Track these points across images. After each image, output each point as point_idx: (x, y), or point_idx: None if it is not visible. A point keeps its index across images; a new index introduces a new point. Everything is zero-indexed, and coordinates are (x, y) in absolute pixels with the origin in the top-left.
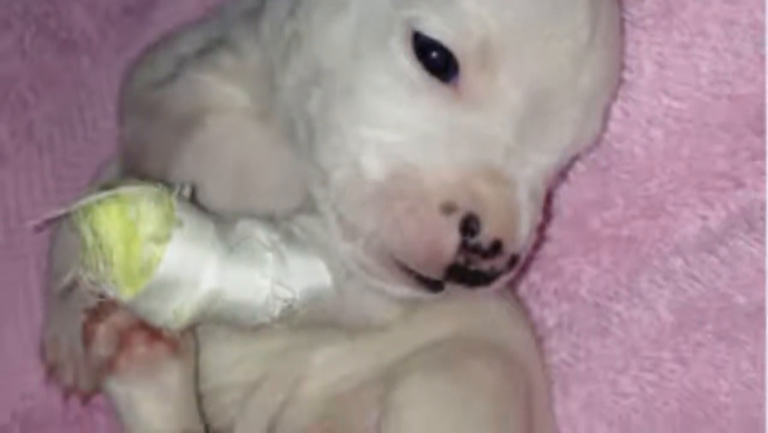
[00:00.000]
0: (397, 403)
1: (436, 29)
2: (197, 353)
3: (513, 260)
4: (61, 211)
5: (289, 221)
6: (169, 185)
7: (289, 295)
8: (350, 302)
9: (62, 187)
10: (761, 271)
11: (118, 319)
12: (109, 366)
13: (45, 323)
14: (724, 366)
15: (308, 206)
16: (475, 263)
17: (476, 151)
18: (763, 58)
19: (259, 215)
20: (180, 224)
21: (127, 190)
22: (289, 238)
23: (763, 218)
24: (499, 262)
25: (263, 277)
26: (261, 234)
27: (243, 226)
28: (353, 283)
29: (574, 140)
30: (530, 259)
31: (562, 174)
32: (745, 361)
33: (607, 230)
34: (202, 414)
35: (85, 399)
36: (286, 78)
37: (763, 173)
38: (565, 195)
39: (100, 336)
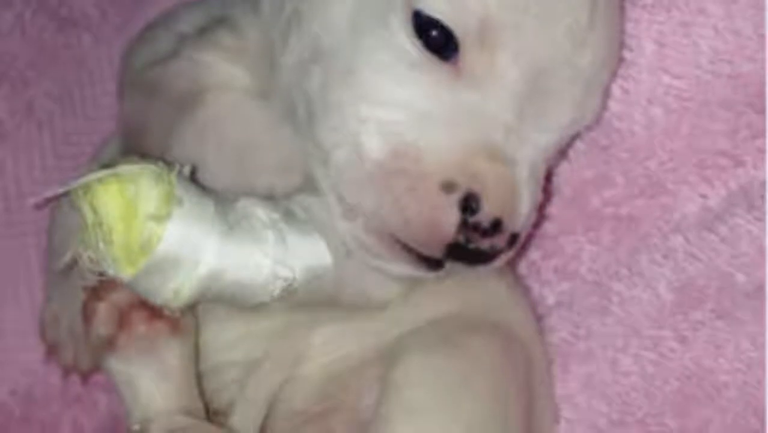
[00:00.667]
0: (397, 381)
1: (436, 8)
2: (197, 332)
3: (513, 239)
4: (61, 190)
5: (289, 199)
6: (169, 164)
7: (289, 274)
8: (350, 281)
9: (62, 165)
10: (761, 249)
11: (118, 297)
12: (109, 344)
13: (45, 301)
14: (724, 345)
15: (308, 185)
16: (475, 241)
17: (476, 129)
18: (763, 36)
19: (259, 194)
20: (180, 202)
21: (127, 169)
22: (290, 217)
23: (763, 197)
24: (499, 240)
25: (263, 256)
26: (261, 213)
27: (243, 205)
28: (353, 262)
29: (573, 119)
30: (530, 237)
31: (562, 153)
32: (745, 340)
33: (607, 209)
34: (202, 393)
35: (85, 377)
36: (286, 57)
37: (763, 152)
38: (565, 174)
39: (100, 315)
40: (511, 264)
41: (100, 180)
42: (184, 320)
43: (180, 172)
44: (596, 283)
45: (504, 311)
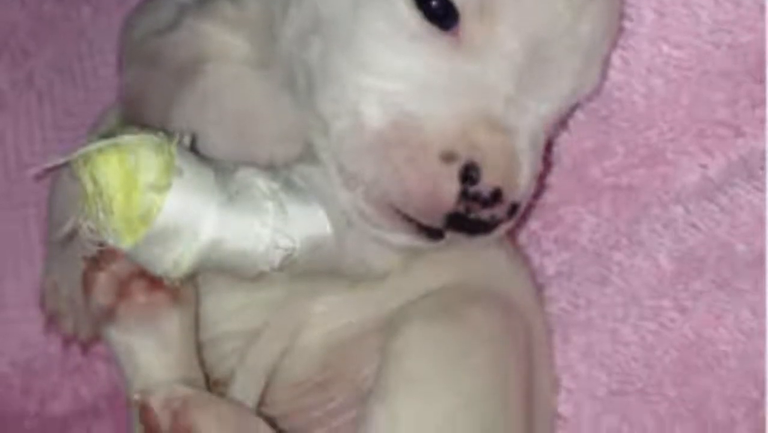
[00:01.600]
0: (397, 351)
1: None
2: (197, 302)
3: (513, 209)
4: (61, 160)
5: (289, 169)
6: (169, 134)
7: (289, 244)
8: (350, 251)
9: (62, 135)
10: (761, 219)
11: (117, 267)
12: (108, 315)
13: (45, 271)
14: (724, 315)
15: (308, 155)
16: (475, 211)
17: (476, 99)
18: (762, 6)
19: (259, 164)
20: (180, 172)
21: (127, 139)
22: (290, 186)
23: (762, 167)
24: (499, 210)
25: (263, 226)
26: (261, 183)
27: (243, 175)
28: (353, 232)
29: (573, 89)
30: (530, 207)
31: (562, 123)
32: (745, 309)
33: (607, 179)
34: (202, 363)
35: (85, 348)
36: (286, 27)
37: (763, 122)
38: (565, 144)
39: (100, 285)
40: (511, 234)
41: (100, 150)
42: (183, 290)
43: (180, 143)
44: (596, 253)
45: (504, 281)
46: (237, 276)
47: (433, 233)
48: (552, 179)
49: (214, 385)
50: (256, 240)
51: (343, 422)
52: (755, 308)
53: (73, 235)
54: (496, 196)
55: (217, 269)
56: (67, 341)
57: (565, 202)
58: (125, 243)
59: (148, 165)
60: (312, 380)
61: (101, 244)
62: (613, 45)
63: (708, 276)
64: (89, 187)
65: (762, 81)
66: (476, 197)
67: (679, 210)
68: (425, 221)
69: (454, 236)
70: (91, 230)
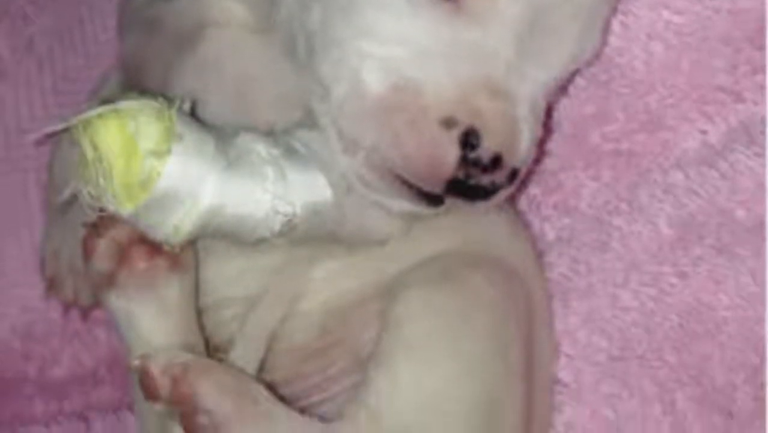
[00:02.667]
0: (398, 317)
1: None
2: (197, 268)
3: (513, 175)
4: (61, 126)
5: (289, 135)
6: (169, 99)
7: (289, 209)
8: (350, 217)
9: (62, 101)
10: (761, 185)
11: (118, 233)
12: (109, 280)
13: (45, 237)
14: (724, 280)
15: (309, 120)
16: (475, 177)
17: (476, 65)
18: None
19: (259, 130)
20: (180, 138)
21: (127, 105)
22: (290, 152)
23: (763, 132)
24: (499, 176)
25: (263, 191)
26: (261, 148)
27: (243, 140)
28: (353, 197)
29: (573, 55)
30: (530, 173)
31: (562, 88)
32: (745, 275)
33: (607, 145)
34: (202, 329)
35: (85, 313)
36: None
37: (763, 87)
38: (565, 109)
39: (100, 250)
40: (511, 200)
41: (100, 116)
42: (184, 256)
43: (180, 108)
44: (596, 218)
45: (504, 246)
46: (237, 242)
47: (432, 199)
48: (552, 145)
49: (214, 351)
50: (256, 206)
51: (343, 388)
52: (755, 274)
53: (73, 201)
54: (496, 161)
55: (216, 234)
56: (67, 307)
57: (565, 168)
58: (125, 209)
59: (148, 131)
60: (312, 345)
61: (101, 210)
62: (613, 11)
63: (708, 242)
64: (89, 152)
65: (762, 47)
66: (476, 163)
67: (679, 176)
68: (425, 187)
69: (454, 201)
70: (91, 196)
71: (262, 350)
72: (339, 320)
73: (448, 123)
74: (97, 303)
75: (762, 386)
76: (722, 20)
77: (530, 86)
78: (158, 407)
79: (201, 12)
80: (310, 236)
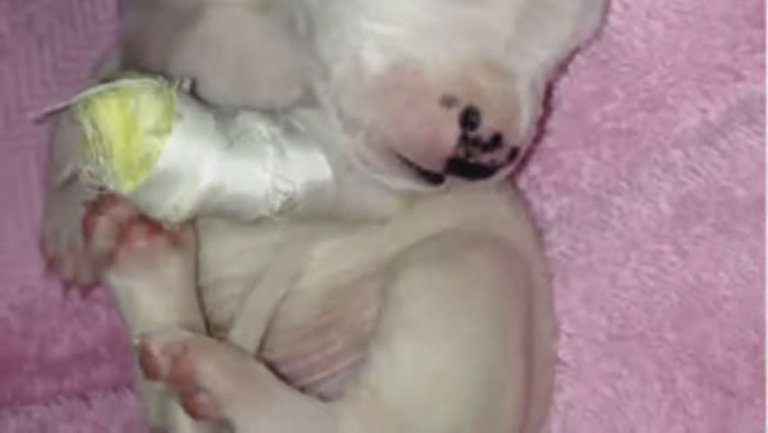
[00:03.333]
0: (397, 296)
1: None
2: (197, 247)
3: (513, 153)
4: (61, 104)
5: (289, 114)
6: (169, 78)
7: (289, 188)
8: (350, 196)
9: (62, 80)
10: (761, 163)
11: (118, 212)
12: (108, 259)
13: (45, 215)
14: (724, 259)
15: (309, 99)
16: (475, 155)
17: (476, 44)
18: None
19: (259, 108)
20: (180, 116)
21: (126, 84)
22: (290, 131)
23: (762, 111)
24: (499, 155)
25: (263, 170)
26: (261, 127)
27: (243, 119)
28: (353, 176)
29: (573, 33)
30: (530, 152)
31: (562, 67)
32: (745, 254)
33: (607, 123)
34: (202, 307)
35: (85, 292)
36: None
37: (762, 66)
38: (565, 88)
39: (100, 229)
40: (511, 179)
41: (100, 95)
42: (183, 235)
43: (180, 87)
44: (596, 197)
45: (504, 225)
46: (237, 220)
47: (432, 178)
48: (552, 124)
49: (214, 330)
50: (256, 184)
51: (343, 367)
52: (755, 253)
53: (73, 179)
54: (496, 140)
55: (217, 213)
56: (67, 286)
57: (565, 147)
58: (125, 187)
59: (148, 109)
60: (312, 324)
61: (101, 188)
62: None
63: (708, 220)
64: (89, 131)
65: (762, 25)
66: (476, 142)
67: (679, 154)
68: (425, 166)
69: (454, 180)
70: (91, 175)
71: (262, 328)
72: (339, 299)
73: (448, 101)
74: (97, 282)
75: (762, 364)
76: None
77: (530, 64)
78: (158, 385)
79: None
80: (310, 215)
